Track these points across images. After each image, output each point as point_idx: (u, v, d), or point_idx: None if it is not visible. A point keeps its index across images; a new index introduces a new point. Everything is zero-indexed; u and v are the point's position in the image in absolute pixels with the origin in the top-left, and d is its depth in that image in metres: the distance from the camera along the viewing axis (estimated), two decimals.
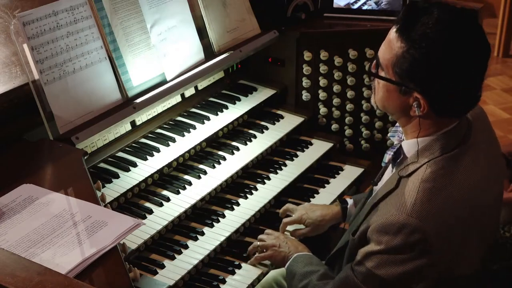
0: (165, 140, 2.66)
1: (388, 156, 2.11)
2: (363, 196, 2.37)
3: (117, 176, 2.44)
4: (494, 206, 2.10)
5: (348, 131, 3.21)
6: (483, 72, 1.93)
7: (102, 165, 2.50)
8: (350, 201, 2.60)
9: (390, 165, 2.12)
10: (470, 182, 1.95)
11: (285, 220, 2.59)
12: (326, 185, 2.90)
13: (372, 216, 1.98)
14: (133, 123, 2.65)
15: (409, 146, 2.01)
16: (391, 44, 1.94)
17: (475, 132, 2.03)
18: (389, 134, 2.18)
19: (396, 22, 1.95)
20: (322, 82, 3.15)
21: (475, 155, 2.00)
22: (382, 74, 1.99)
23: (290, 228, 2.58)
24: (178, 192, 2.51)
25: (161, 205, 2.44)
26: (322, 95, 3.17)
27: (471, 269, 2.01)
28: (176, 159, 2.62)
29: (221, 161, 2.72)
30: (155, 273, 2.23)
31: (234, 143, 2.84)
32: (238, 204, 2.61)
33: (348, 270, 2.02)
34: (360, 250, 1.98)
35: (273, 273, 2.52)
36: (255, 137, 2.92)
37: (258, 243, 2.44)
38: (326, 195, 2.82)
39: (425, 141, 1.98)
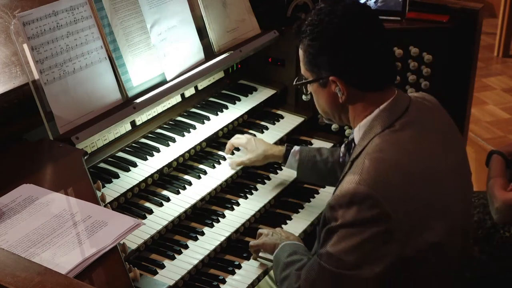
0: (165, 140, 2.66)
1: (341, 149, 2.24)
2: (313, 154, 2.61)
3: (117, 176, 2.44)
4: (453, 177, 2.07)
5: (348, 131, 3.21)
6: (374, 37, 2.04)
7: (102, 165, 2.50)
8: (296, 147, 2.69)
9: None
10: (417, 149, 1.98)
11: (233, 141, 2.74)
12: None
13: None
14: (133, 123, 2.65)
15: (356, 132, 2.09)
16: (300, 56, 2.14)
17: (418, 110, 2.08)
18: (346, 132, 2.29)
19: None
20: None
21: (420, 128, 2.03)
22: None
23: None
24: (178, 192, 2.51)
25: (161, 205, 2.44)
26: None
27: (435, 239, 1.98)
28: (176, 159, 2.62)
29: (221, 161, 2.72)
30: (155, 273, 2.23)
31: None
32: (238, 204, 2.61)
33: (314, 257, 2.04)
34: (321, 234, 2.00)
35: (273, 273, 2.52)
36: (255, 137, 2.91)
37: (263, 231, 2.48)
38: (326, 195, 2.82)
39: (367, 122, 2.06)
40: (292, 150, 2.68)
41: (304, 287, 2.02)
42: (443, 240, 1.99)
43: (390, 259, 1.90)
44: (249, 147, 2.71)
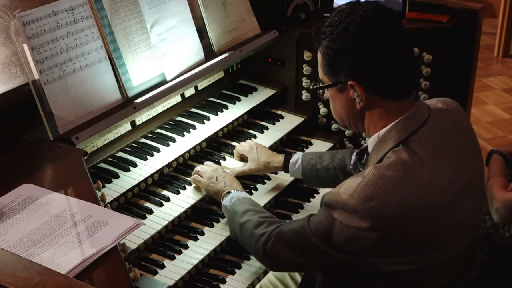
0: (165, 140, 2.66)
1: (353, 157, 2.17)
2: (314, 162, 2.57)
3: (117, 176, 2.44)
4: (464, 199, 2.00)
5: (348, 131, 3.21)
6: (397, 42, 1.96)
7: (102, 165, 2.50)
8: (295, 156, 2.65)
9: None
10: (429, 174, 1.90)
11: (237, 147, 2.76)
12: None
13: None
14: (133, 123, 2.65)
15: (370, 143, 2.05)
16: (318, 59, 2.07)
17: (437, 123, 2.00)
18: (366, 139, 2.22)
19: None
20: None
21: (436, 145, 1.95)
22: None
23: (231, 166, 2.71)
24: (178, 192, 2.51)
25: (161, 205, 2.44)
26: None
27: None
28: (176, 159, 2.62)
29: (221, 161, 2.72)
30: (155, 273, 2.23)
31: (234, 143, 2.84)
32: None
33: (302, 220, 2.05)
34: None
35: (272, 273, 2.52)
36: (255, 137, 2.92)
37: (199, 167, 2.54)
38: None
39: (382, 133, 2.00)
40: (290, 161, 2.64)
41: (278, 242, 2.06)
42: (442, 262, 1.97)
43: (376, 266, 1.91)
44: (250, 156, 2.69)
